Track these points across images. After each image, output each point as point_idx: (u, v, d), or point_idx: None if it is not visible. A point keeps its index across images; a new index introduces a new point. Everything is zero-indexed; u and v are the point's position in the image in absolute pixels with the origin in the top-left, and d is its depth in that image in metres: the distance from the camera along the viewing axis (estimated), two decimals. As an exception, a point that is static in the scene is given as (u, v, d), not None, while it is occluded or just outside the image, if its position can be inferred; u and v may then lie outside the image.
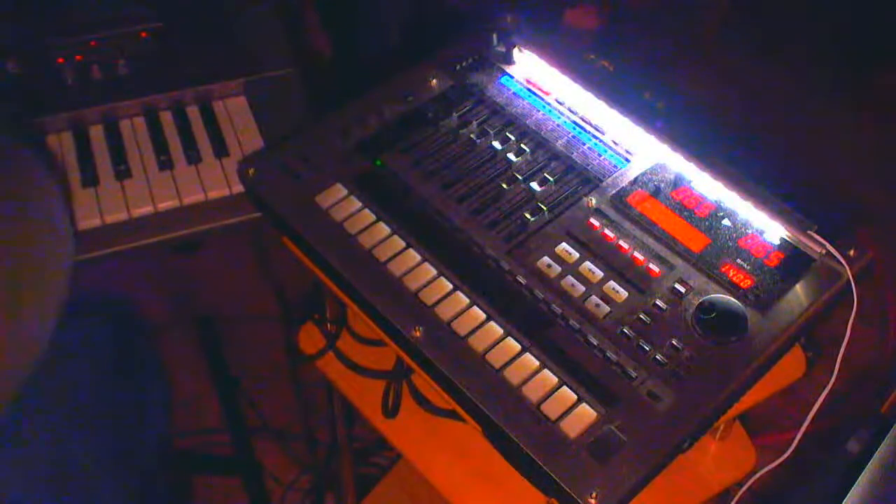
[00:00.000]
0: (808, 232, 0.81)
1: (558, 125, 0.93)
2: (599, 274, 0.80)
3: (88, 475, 0.95)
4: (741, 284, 0.79)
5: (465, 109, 0.95)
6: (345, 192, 0.87)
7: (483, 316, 0.77)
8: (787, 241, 0.82)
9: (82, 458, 0.95)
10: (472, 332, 0.76)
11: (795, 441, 0.77)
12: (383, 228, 0.83)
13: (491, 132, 0.91)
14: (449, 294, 0.78)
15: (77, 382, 1.00)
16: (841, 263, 0.79)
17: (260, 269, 1.68)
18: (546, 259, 0.81)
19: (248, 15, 1.24)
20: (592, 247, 0.82)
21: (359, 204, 0.85)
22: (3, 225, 0.70)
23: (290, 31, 1.26)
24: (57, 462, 0.92)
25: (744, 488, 0.87)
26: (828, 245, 0.80)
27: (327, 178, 0.88)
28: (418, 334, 0.76)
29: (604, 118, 0.93)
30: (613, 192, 0.86)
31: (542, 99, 0.96)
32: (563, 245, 0.82)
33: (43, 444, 0.91)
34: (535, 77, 0.98)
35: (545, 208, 0.84)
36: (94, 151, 1.10)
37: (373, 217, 0.84)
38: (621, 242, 0.82)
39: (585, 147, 0.91)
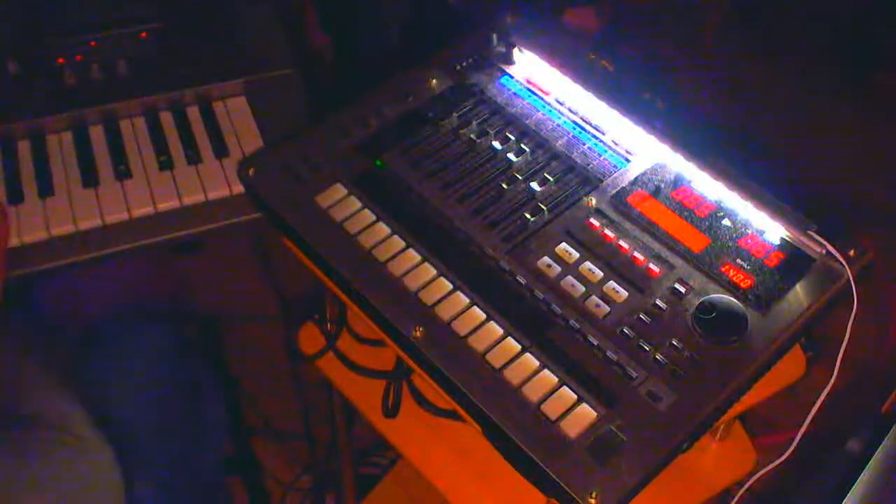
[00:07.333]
0: (808, 232, 0.81)
1: (558, 125, 0.93)
2: (599, 274, 0.80)
3: (143, 492, 0.96)
4: (741, 284, 0.79)
5: (465, 109, 0.95)
6: (345, 192, 0.87)
7: (483, 316, 0.77)
8: (787, 241, 0.82)
9: (137, 474, 0.95)
10: (472, 332, 0.76)
11: (795, 441, 0.77)
12: (383, 228, 0.83)
13: (491, 132, 0.91)
14: (449, 294, 0.78)
15: (139, 394, 1.01)
16: (841, 263, 0.79)
17: (260, 269, 1.68)
18: (546, 259, 0.81)
19: (248, 15, 1.24)
20: (592, 247, 0.82)
21: (359, 204, 0.85)
22: None
23: (290, 31, 1.26)
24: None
25: (744, 488, 0.87)
26: (828, 245, 0.80)
27: (327, 178, 0.88)
28: (418, 334, 0.76)
29: (604, 118, 0.93)
30: (613, 192, 0.86)
31: (542, 99, 0.96)
32: (563, 245, 0.82)
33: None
34: (535, 77, 0.98)
35: (545, 208, 0.84)
36: (94, 151, 1.10)
37: (373, 217, 0.84)
38: (621, 242, 0.82)
39: (585, 147, 0.91)
